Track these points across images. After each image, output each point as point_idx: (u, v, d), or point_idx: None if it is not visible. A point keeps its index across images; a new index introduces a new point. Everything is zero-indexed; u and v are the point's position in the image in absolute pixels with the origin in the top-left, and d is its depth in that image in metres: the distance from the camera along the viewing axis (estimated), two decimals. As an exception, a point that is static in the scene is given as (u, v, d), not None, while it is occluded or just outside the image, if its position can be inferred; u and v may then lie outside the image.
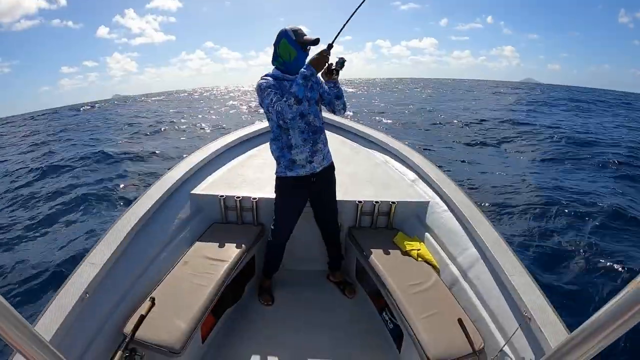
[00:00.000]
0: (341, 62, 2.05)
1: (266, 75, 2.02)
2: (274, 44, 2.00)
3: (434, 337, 1.66)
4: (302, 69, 1.92)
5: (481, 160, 8.93)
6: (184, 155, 3.10)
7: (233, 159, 3.24)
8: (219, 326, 2.21)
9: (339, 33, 1.94)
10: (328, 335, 2.22)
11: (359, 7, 1.97)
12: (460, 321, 1.71)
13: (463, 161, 8.77)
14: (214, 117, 22.82)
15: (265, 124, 3.77)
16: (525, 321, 1.56)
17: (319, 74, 2.05)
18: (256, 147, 3.49)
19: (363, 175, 2.95)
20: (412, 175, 2.95)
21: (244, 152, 3.38)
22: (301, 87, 1.90)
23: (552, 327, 1.48)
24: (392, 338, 2.14)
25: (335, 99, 2.18)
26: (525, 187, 6.71)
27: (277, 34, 1.98)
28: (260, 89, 1.97)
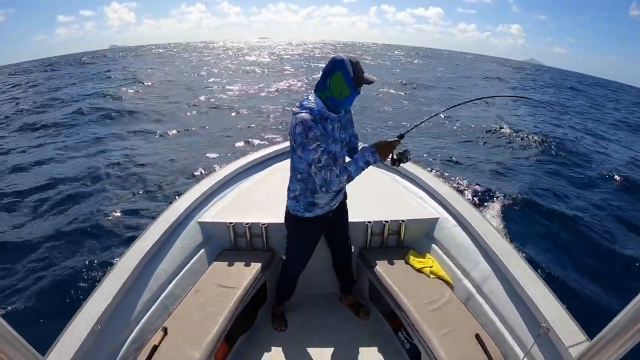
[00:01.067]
0: (407, 157, 1.87)
1: (309, 108, 1.73)
2: (325, 73, 1.71)
3: (452, 355, 1.62)
4: (369, 155, 1.77)
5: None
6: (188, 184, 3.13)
7: (240, 184, 3.27)
8: (233, 353, 2.18)
9: (413, 127, 1.95)
10: (344, 358, 2.17)
11: (435, 115, 2.08)
12: (477, 337, 1.67)
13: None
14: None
15: (270, 149, 3.81)
16: (543, 332, 1.52)
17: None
18: (261, 171, 3.53)
19: (371, 195, 2.96)
20: (420, 192, 2.95)
21: (250, 177, 3.41)
22: (360, 171, 1.79)
23: (572, 336, 1.44)
24: (409, 358, 2.09)
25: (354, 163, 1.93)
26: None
27: (331, 61, 1.69)
28: (308, 136, 1.68)
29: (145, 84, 20.97)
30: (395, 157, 1.85)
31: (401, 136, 1.81)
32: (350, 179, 1.79)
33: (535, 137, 10.53)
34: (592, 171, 8.21)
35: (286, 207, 2.09)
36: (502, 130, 11.40)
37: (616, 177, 7.65)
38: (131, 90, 18.41)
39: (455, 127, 11.76)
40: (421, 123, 2.04)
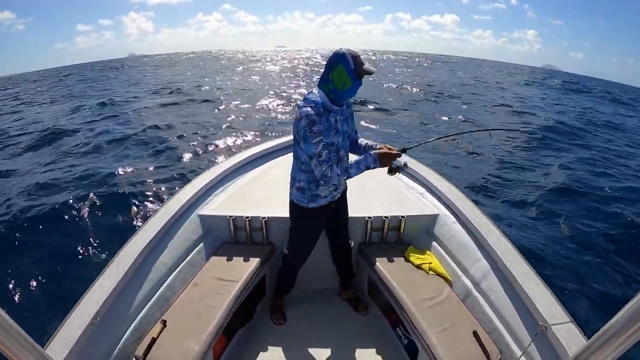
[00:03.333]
0: (403, 168, 2.00)
1: (313, 101, 1.81)
2: (328, 66, 1.79)
3: (450, 351, 1.62)
4: (371, 162, 1.86)
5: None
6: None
7: (241, 178, 3.26)
8: (231, 347, 2.19)
9: (418, 144, 2.11)
10: (342, 353, 2.18)
11: (444, 136, 2.31)
12: (475, 334, 1.68)
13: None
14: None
15: (271, 143, 3.80)
16: (541, 330, 1.53)
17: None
18: (263, 165, 3.52)
19: (371, 190, 2.95)
20: (420, 188, 2.95)
21: (250, 171, 3.41)
22: (359, 173, 1.88)
23: (570, 335, 1.45)
24: (407, 354, 2.10)
25: (355, 149, 2.13)
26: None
27: (333, 55, 1.79)
28: (312, 130, 1.76)
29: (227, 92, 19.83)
30: (393, 167, 1.96)
31: (404, 150, 1.97)
32: (348, 178, 1.92)
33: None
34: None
35: (290, 199, 2.13)
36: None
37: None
38: (235, 103, 16.32)
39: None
40: (426, 142, 2.25)
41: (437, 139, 2.35)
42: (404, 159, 2.01)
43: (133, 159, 8.01)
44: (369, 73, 1.79)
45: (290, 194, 2.12)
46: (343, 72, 1.74)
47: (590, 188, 6.82)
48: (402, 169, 1.98)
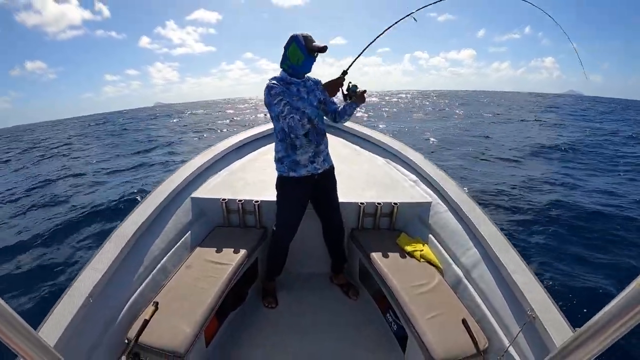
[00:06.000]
0: (353, 89, 2.16)
1: (274, 78, 2.08)
2: (285, 47, 2.05)
3: (439, 338, 1.65)
4: (320, 94, 2.14)
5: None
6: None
7: (234, 162, 3.24)
8: (223, 329, 2.21)
9: (354, 61, 2.22)
10: (332, 338, 2.21)
11: (378, 36, 2.28)
12: (464, 321, 1.70)
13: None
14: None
15: (264, 127, 3.77)
16: (529, 320, 1.55)
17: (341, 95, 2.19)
18: (257, 149, 3.49)
19: (365, 176, 2.95)
20: (413, 176, 2.95)
21: (245, 156, 3.38)
22: (315, 109, 2.09)
23: (557, 326, 1.47)
24: (396, 339, 2.13)
25: (342, 113, 2.27)
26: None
27: (288, 38, 2.04)
28: (270, 94, 2.00)
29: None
30: (345, 92, 2.16)
31: (344, 72, 2.12)
32: (310, 120, 2.05)
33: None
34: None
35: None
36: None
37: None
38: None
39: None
40: (360, 54, 2.27)
41: (369, 45, 2.29)
42: (351, 82, 2.17)
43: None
44: (319, 49, 2.00)
45: (276, 169, 2.25)
46: (296, 48, 2.00)
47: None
48: (354, 89, 2.15)
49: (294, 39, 2.01)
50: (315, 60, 2.08)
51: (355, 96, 2.18)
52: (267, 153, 3.28)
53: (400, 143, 3.44)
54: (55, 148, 18.58)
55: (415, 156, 3.09)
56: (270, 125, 3.69)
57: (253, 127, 3.89)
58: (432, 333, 1.68)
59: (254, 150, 3.48)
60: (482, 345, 1.61)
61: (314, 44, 2.01)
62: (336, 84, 2.09)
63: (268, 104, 2.03)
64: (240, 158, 3.30)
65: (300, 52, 2.01)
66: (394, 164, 3.23)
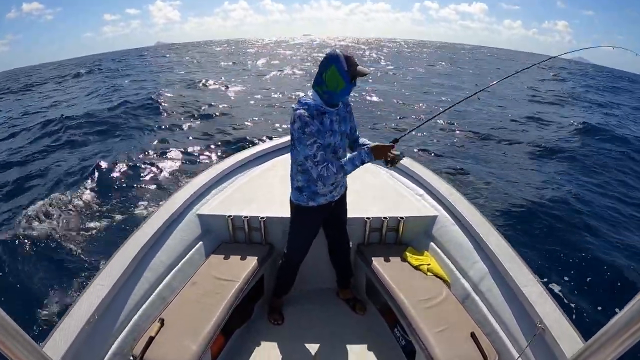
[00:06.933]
0: (399, 159, 2.00)
1: (306, 104, 1.82)
2: (321, 67, 1.78)
3: (447, 353, 1.63)
4: (365, 156, 1.85)
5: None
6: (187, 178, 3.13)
7: (239, 178, 3.26)
8: (229, 346, 2.19)
9: (409, 132, 2.14)
10: (339, 353, 2.18)
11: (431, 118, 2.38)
12: (473, 335, 1.68)
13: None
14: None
15: (268, 144, 3.80)
16: (539, 332, 1.53)
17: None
18: (261, 165, 3.52)
19: (370, 191, 2.95)
20: (420, 189, 2.95)
21: (249, 171, 3.41)
22: (354, 169, 1.88)
23: (567, 337, 1.45)
24: (404, 354, 2.10)
25: (356, 149, 2.11)
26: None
27: (326, 57, 1.77)
28: (304, 132, 1.77)
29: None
30: (389, 159, 1.99)
31: (395, 141, 1.98)
32: (345, 175, 1.91)
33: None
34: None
35: (290, 198, 2.15)
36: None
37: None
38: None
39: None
40: (415, 129, 2.23)
41: (424, 123, 2.36)
42: (399, 150, 2.07)
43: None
44: (363, 74, 1.76)
45: (291, 194, 2.14)
46: (336, 73, 1.73)
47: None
48: (399, 159, 2.00)
49: (333, 61, 1.72)
50: (355, 86, 1.83)
51: (393, 164, 2.01)
52: (272, 169, 3.30)
53: (406, 157, 3.45)
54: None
55: (421, 169, 3.09)
56: (275, 142, 3.72)
57: (258, 144, 3.93)
58: (441, 347, 1.65)
59: (259, 166, 3.50)
60: (491, 358, 1.59)
61: (358, 68, 1.74)
62: (386, 150, 1.90)
63: (298, 139, 1.81)
64: (246, 173, 3.33)
65: (341, 77, 1.73)
66: (399, 177, 3.23)
